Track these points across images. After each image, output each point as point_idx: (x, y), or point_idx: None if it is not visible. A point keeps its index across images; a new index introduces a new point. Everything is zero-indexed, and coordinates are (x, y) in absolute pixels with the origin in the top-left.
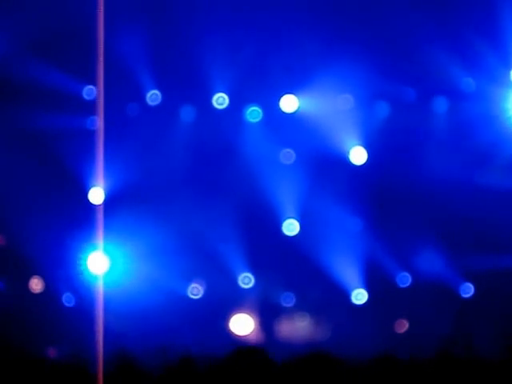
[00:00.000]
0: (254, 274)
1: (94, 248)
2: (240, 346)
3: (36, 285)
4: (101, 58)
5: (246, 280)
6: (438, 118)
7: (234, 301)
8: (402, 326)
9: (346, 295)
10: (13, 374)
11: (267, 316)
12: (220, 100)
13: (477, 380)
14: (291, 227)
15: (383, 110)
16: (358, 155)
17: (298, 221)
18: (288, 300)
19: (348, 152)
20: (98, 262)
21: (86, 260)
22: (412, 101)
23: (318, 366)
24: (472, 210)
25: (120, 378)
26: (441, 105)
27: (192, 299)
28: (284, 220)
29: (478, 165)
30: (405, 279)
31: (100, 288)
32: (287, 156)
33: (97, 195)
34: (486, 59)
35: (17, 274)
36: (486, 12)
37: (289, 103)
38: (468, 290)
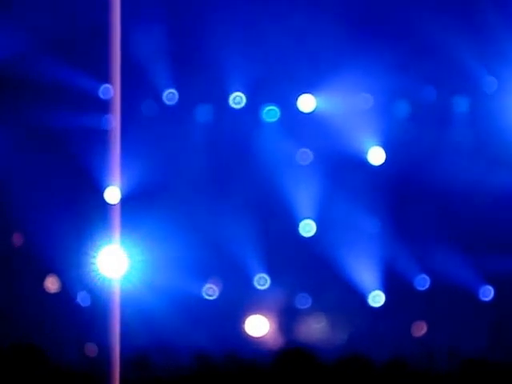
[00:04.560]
0: (269, 275)
1: (110, 247)
2: (286, 347)
3: (52, 284)
4: (117, 57)
5: (262, 281)
6: (459, 117)
7: (250, 302)
8: (420, 330)
9: (363, 297)
10: (27, 375)
11: (283, 318)
12: (237, 99)
13: None
14: (308, 228)
15: (403, 109)
16: (377, 155)
17: (315, 222)
18: (304, 302)
19: (366, 152)
20: (114, 262)
21: (101, 259)
22: (432, 100)
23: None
24: (493, 211)
25: (136, 379)
26: (462, 104)
27: (207, 300)
28: (301, 221)
29: (499, 166)
30: (423, 282)
31: (116, 287)
32: (304, 156)
33: (113, 194)
34: (508, 58)
35: (33, 274)
36: (510, 10)
37: (306, 103)
38: (487, 293)
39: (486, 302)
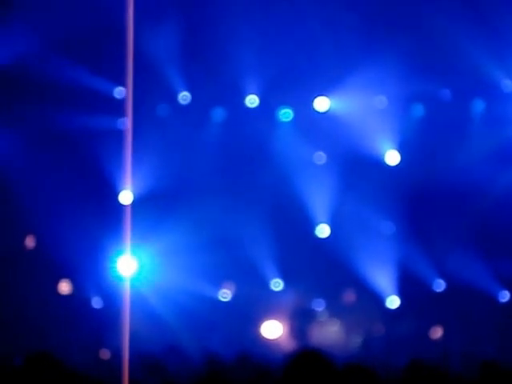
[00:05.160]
0: (285, 278)
1: (123, 250)
2: (299, 350)
3: (65, 287)
4: (131, 59)
5: (277, 284)
6: (475, 119)
7: (264, 305)
8: (437, 333)
9: (379, 300)
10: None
11: (297, 321)
12: (252, 100)
13: None
14: (323, 230)
15: (418, 111)
16: (392, 157)
17: (330, 224)
18: (319, 305)
19: (381, 153)
20: (127, 264)
21: (114, 262)
22: (448, 102)
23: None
24: (508, 213)
25: (148, 383)
26: (478, 106)
27: (221, 302)
28: (316, 223)
29: None
30: (439, 284)
31: (128, 290)
32: (319, 157)
33: (126, 197)
34: None
35: (46, 276)
36: None
37: (321, 104)
38: (504, 296)
39: (502, 304)
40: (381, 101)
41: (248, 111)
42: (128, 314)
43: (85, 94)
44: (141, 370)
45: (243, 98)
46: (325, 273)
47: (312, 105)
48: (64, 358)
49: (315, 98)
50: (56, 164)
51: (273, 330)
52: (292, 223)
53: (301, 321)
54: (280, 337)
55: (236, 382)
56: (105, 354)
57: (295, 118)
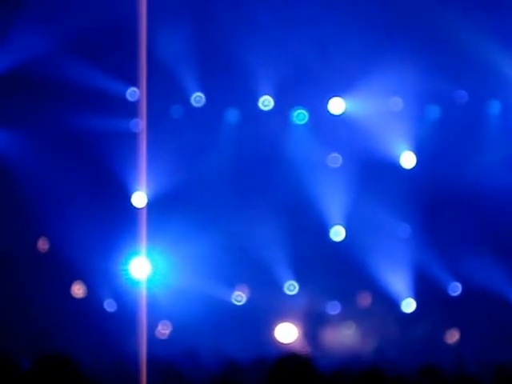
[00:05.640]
0: (299, 281)
1: (137, 253)
2: (284, 354)
3: (78, 290)
4: (144, 60)
5: (291, 287)
6: (492, 121)
7: (279, 308)
8: (453, 337)
9: (394, 304)
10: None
11: (312, 324)
12: (265, 102)
13: None
14: (338, 233)
15: (434, 112)
16: (408, 159)
17: (345, 226)
18: (334, 308)
19: (397, 156)
20: (141, 267)
21: (128, 264)
22: (464, 103)
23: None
24: None
25: None
26: (494, 107)
27: (235, 306)
28: (331, 226)
29: None
30: (455, 288)
31: (142, 292)
32: (334, 159)
33: (140, 199)
34: None
35: (59, 279)
36: None
37: (336, 106)
38: None
39: None
40: (396, 103)
41: (262, 113)
42: (144, 317)
43: (98, 95)
44: (156, 375)
45: (257, 100)
46: (340, 276)
47: (327, 107)
48: (77, 361)
49: (330, 99)
50: (69, 166)
51: (287, 333)
52: (307, 226)
53: (315, 324)
54: (295, 340)
55: None
56: (118, 356)
57: (310, 120)
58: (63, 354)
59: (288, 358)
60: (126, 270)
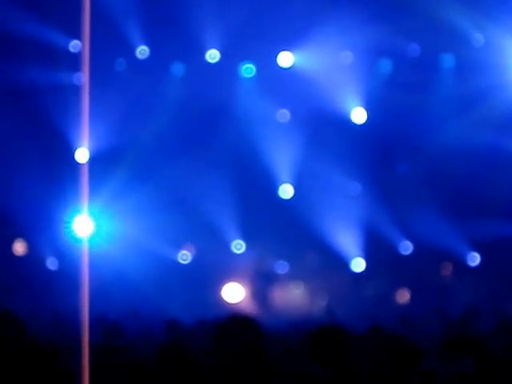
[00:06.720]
0: (246, 240)
1: (79, 210)
2: (232, 314)
3: (20, 247)
4: (88, 11)
5: (238, 246)
6: (444, 75)
7: (226, 267)
8: (403, 296)
9: (344, 263)
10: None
11: (260, 284)
12: (212, 55)
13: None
14: (287, 191)
15: (386, 66)
16: (359, 114)
17: (294, 184)
18: (282, 267)
19: (347, 111)
20: (83, 224)
21: (70, 222)
22: (416, 57)
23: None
24: (480, 171)
25: (105, 346)
26: (447, 61)
27: (181, 265)
28: (279, 183)
29: (487, 124)
30: (406, 247)
31: (85, 251)
32: (283, 114)
33: (82, 154)
34: (496, 12)
35: (0, 236)
36: None
37: (285, 59)
38: (474, 260)
39: (471, 267)
40: (347, 56)
41: (209, 66)
42: (86, 276)
43: (40, 47)
44: (99, 333)
45: (204, 53)
46: (288, 234)
47: (275, 60)
48: (22, 320)
49: (279, 53)
50: (9, 120)
51: (234, 293)
52: (254, 183)
53: (263, 284)
54: (242, 300)
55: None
56: (61, 315)
57: (258, 73)
58: (8, 312)
59: (231, 319)
60: (69, 228)
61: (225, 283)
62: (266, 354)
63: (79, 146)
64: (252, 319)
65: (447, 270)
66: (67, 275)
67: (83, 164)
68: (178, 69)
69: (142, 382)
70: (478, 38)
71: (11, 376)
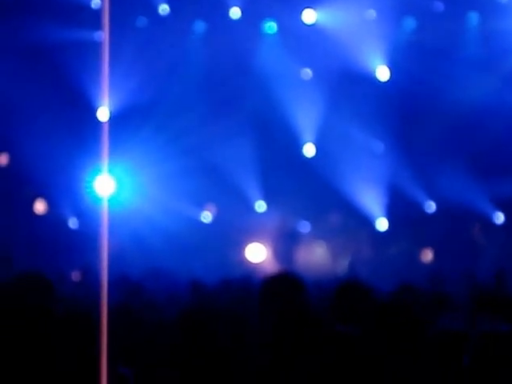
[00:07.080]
0: (269, 199)
1: (100, 169)
2: (281, 273)
3: (40, 206)
4: None
5: (261, 206)
6: (469, 32)
7: (248, 227)
8: (427, 255)
9: (368, 223)
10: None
11: (283, 243)
12: (235, 12)
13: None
14: (310, 150)
15: (410, 24)
16: (382, 72)
17: (317, 143)
18: (305, 227)
19: (371, 69)
20: (104, 184)
21: (91, 181)
22: (441, 14)
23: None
24: (503, 131)
25: (128, 307)
26: (472, 18)
27: (204, 225)
28: (303, 142)
29: (509, 82)
30: (429, 206)
31: (105, 210)
32: (306, 73)
33: (103, 113)
34: None
35: (20, 195)
36: None
37: (308, 16)
38: (498, 218)
39: (496, 226)
40: (370, 14)
41: (231, 23)
42: (105, 236)
43: (60, 3)
44: (120, 294)
45: (226, 11)
46: (311, 194)
47: (298, 17)
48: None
49: (302, 10)
50: (30, 78)
51: (256, 252)
52: (277, 142)
53: (285, 243)
54: (264, 260)
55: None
56: (80, 275)
57: (280, 30)
58: (36, 273)
59: (281, 279)
60: (90, 187)
61: (247, 243)
62: (313, 315)
63: (100, 105)
64: (301, 279)
65: (474, 228)
66: (88, 235)
67: (104, 122)
68: (199, 26)
69: (165, 343)
70: None
71: (41, 342)
